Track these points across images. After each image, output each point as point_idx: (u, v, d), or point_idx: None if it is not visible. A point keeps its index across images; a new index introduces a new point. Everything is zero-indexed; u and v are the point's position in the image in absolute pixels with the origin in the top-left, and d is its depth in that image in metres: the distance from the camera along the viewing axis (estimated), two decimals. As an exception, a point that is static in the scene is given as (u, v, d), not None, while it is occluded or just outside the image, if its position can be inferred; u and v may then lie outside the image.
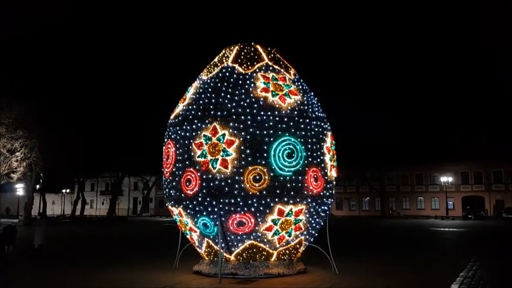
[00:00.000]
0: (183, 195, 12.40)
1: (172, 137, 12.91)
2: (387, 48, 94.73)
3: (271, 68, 12.97)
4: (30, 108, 43.64)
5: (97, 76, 58.98)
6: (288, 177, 11.86)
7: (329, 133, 13.35)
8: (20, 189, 50.81)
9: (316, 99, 13.53)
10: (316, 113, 13.03)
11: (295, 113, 12.33)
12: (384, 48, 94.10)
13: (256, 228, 11.92)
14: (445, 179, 63.97)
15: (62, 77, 56.58)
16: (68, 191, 69.89)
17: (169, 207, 13.54)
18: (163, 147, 13.53)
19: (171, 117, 13.54)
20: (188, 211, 12.46)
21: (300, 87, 13.15)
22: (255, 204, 11.67)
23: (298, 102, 12.60)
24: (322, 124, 13.03)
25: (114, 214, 62.33)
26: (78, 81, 55.88)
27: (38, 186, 53.95)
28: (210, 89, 12.68)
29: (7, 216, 65.82)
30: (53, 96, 49.15)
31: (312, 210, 12.39)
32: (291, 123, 12.11)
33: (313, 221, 12.70)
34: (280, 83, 12.65)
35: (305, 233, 12.73)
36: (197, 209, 12.18)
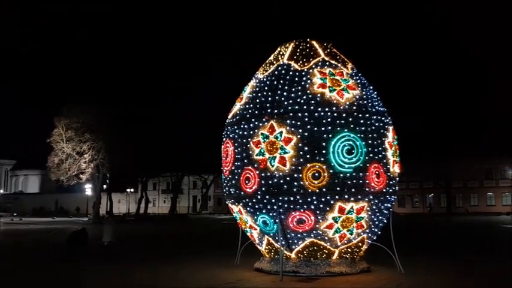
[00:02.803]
0: (242, 193, 12.49)
1: (231, 136, 13.04)
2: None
3: (327, 63, 12.75)
4: (96, 112, 45.95)
5: (156, 80, 60.96)
6: (348, 174, 11.61)
7: (390, 127, 12.91)
8: (88, 190, 53.56)
9: (375, 93, 13.13)
10: (376, 107, 12.65)
11: (354, 108, 12.04)
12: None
13: (317, 226, 11.77)
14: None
15: (124, 81, 58.99)
16: (132, 190, 72.81)
17: (229, 205, 13.70)
18: (222, 147, 13.70)
19: (229, 116, 13.68)
20: (248, 209, 12.54)
21: (359, 81, 12.82)
22: (315, 202, 11.53)
23: (357, 96, 12.29)
24: (383, 118, 12.63)
25: (175, 212, 64.14)
26: (140, 85, 58.02)
27: (104, 186, 56.58)
28: (266, 88, 12.67)
29: (77, 215, 69.81)
30: (116, 100, 51.32)
31: (374, 207, 12.05)
32: (350, 119, 11.84)
33: (375, 219, 12.35)
34: (338, 78, 12.39)
35: (367, 231, 12.41)
36: (256, 206, 12.22)
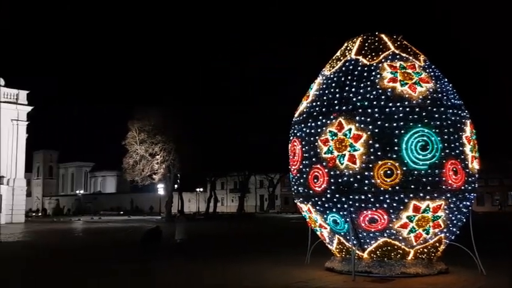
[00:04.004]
0: (311, 192, 12.37)
1: (298, 134, 12.95)
2: None
3: (398, 56, 12.27)
4: (165, 114, 47.74)
5: (221, 79, 61.95)
6: (423, 171, 11.11)
7: (468, 121, 12.20)
8: (160, 189, 55.80)
9: (451, 85, 12.46)
10: (452, 100, 12.00)
11: (428, 101, 11.50)
12: None
13: (390, 225, 11.38)
14: None
15: (190, 83, 60.68)
16: (201, 189, 74.85)
17: (298, 204, 13.62)
18: (289, 145, 13.65)
19: (295, 115, 13.60)
20: (317, 208, 12.40)
21: (432, 73, 12.23)
22: (388, 201, 11.16)
23: (431, 90, 11.73)
24: (460, 112, 11.96)
25: (243, 211, 65.06)
26: (205, 87, 59.33)
27: (176, 186, 58.62)
28: (333, 84, 12.45)
29: (151, 213, 72.98)
30: (185, 102, 52.92)
31: (452, 206, 11.44)
32: (424, 113, 11.32)
33: (453, 218, 11.72)
34: (409, 71, 11.90)
35: (445, 230, 11.81)
36: (326, 205, 12.05)
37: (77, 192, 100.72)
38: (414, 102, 11.42)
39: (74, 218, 63.69)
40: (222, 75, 57.81)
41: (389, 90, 11.57)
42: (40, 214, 79.82)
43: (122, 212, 76.02)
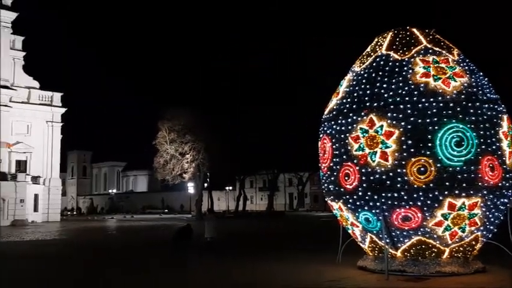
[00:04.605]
0: (342, 189, 12.24)
1: (328, 132, 12.83)
2: None
3: (430, 50, 12.00)
4: (195, 114, 48.24)
5: (249, 78, 62.02)
6: (457, 168, 10.84)
7: (505, 116, 11.81)
8: (190, 188, 56.47)
9: (486, 79, 12.09)
10: (488, 94, 11.65)
11: (463, 96, 11.20)
12: None
13: (424, 223, 11.15)
14: None
15: (218, 82, 61.00)
16: (230, 188, 75.32)
17: (329, 202, 13.51)
18: (319, 143, 13.55)
19: (325, 112, 13.47)
20: (348, 206, 12.26)
21: (466, 67, 11.90)
22: (421, 198, 10.94)
23: (465, 84, 11.42)
24: (496, 107, 11.60)
25: (272, 209, 65.06)
26: (234, 86, 59.56)
27: (205, 184, 59.18)
28: (364, 80, 12.27)
29: (181, 212, 73.92)
30: (213, 102, 53.34)
31: (488, 203, 11.11)
32: (458, 108, 11.04)
33: (490, 215, 11.38)
34: (443, 65, 11.61)
35: (481, 228, 11.48)
36: (358, 203, 11.91)
37: (110, 191, 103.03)
38: (448, 97, 11.15)
39: (107, 217, 65.25)
40: (249, 74, 57.80)
41: (422, 85, 11.33)
42: (75, 213, 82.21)
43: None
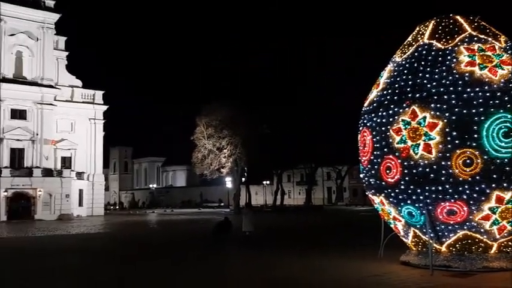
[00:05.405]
0: (383, 183, 12.00)
1: (368, 124, 12.60)
2: None
3: (475, 38, 11.54)
4: (232, 109, 48.54)
5: (287, 74, 61.84)
6: (506, 160, 10.42)
7: (557, 105, 11.21)
8: (228, 182, 56.97)
9: (536, 66, 11.51)
10: (538, 82, 11.09)
11: (511, 85, 10.71)
12: None
13: (470, 217, 10.79)
14: None
15: (253, 79, 61.10)
16: (268, 182, 75.43)
17: (370, 196, 13.28)
18: (359, 136, 13.33)
19: (365, 104, 13.23)
20: (390, 200, 12.01)
21: (515, 55, 11.37)
22: (467, 191, 10.58)
23: (514, 72, 10.91)
24: (547, 95, 11.02)
25: (310, 203, 64.76)
26: (268, 82, 59.48)
27: (243, 179, 59.55)
28: (405, 71, 11.95)
29: (219, 206, 74.72)
30: (248, 98, 53.47)
31: (540, 196, 10.61)
32: (506, 98, 10.58)
33: (542, 209, 10.86)
34: (489, 53, 11.15)
35: (532, 222, 10.98)
36: (400, 197, 11.65)
37: (150, 186, 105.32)
38: (495, 86, 10.70)
39: (148, 211, 66.85)
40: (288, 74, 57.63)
41: (467, 74, 10.92)
42: (117, 207, 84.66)
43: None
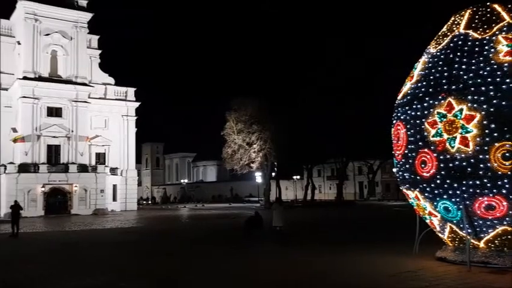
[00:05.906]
0: (418, 177, 11.76)
1: (402, 117, 12.35)
2: None
3: (515, 27, 11.10)
4: (261, 104, 48.53)
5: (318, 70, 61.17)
6: (548, 153, 9.99)
7: None
8: (258, 177, 57.00)
9: None
10: None
11: (552, 75, 10.27)
12: None
13: (510, 212, 10.44)
14: None
15: (284, 75, 60.81)
16: (298, 177, 75.13)
17: (404, 190, 13.04)
18: (392, 129, 13.09)
19: (399, 97, 12.97)
20: (426, 194, 11.75)
21: (558, 43, 10.88)
22: (507, 186, 10.24)
23: (557, 62, 10.46)
24: None
25: (342, 198, 64.12)
26: (299, 78, 59.04)
27: (273, 174, 59.52)
28: (440, 62, 11.64)
29: (250, 201, 74.98)
30: (277, 92, 53.30)
31: None
32: (548, 89, 10.14)
33: None
34: (529, 42, 10.70)
35: None
36: (436, 192, 11.38)
37: (182, 181, 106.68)
38: (536, 76, 10.28)
39: (180, 206, 67.76)
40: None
41: (505, 64, 10.54)
42: (150, 202, 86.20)
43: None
